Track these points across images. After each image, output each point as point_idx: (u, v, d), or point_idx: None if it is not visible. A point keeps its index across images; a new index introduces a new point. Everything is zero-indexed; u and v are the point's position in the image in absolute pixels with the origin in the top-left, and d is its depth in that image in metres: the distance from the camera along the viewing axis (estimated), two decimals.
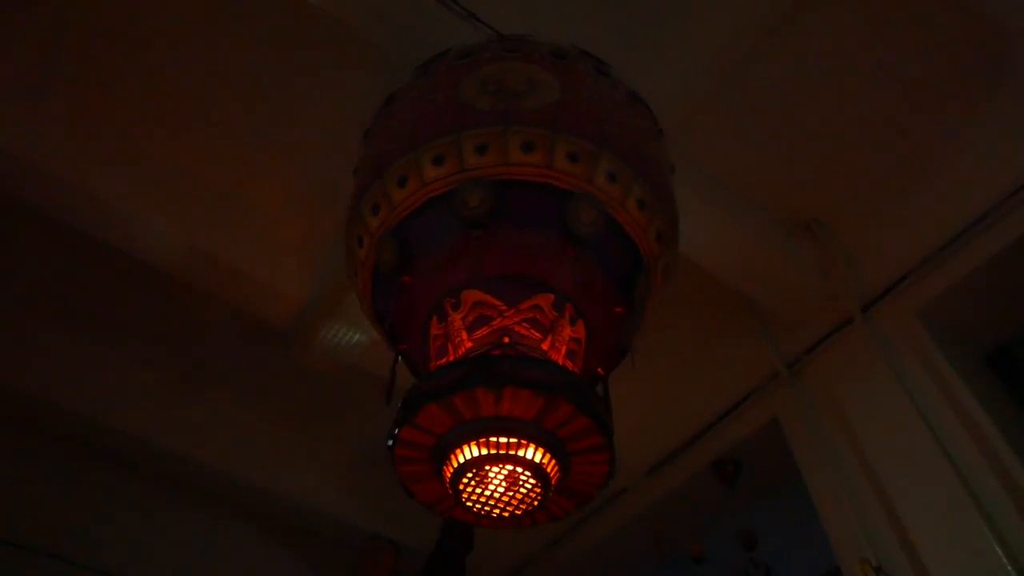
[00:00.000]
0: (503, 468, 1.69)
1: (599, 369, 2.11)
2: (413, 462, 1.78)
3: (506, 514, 1.78)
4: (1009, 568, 2.53)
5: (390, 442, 1.75)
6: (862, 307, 3.29)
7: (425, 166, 1.93)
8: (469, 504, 1.76)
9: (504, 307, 1.87)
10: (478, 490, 1.73)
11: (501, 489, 1.72)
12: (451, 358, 1.84)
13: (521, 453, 1.67)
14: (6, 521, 3.72)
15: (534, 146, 1.90)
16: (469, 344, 1.84)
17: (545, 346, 1.85)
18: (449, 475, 1.72)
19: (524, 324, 1.86)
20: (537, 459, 1.68)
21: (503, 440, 1.67)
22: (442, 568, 3.21)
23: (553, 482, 1.72)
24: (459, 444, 1.69)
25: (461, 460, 1.69)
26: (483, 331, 1.85)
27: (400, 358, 2.13)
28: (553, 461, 1.70)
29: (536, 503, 1.75)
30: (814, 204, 3.47)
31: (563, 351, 1.87)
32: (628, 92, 2.26)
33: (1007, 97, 3.02)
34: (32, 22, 3.06)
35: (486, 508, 1.76)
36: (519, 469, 1.69)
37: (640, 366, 2.21)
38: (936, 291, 3.11)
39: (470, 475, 1.70)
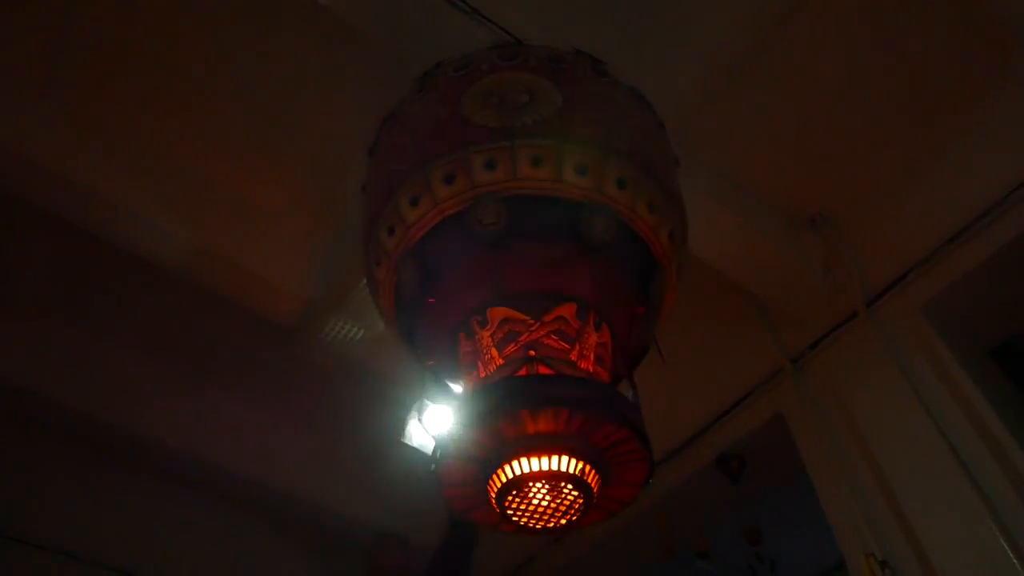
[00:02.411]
0: (545, 483, 1.73)
1: (624, 370, 2.14)
2: (459, 476, 1.83)
3: (551, 524, 1.82)
4: (1014, 561, 2.53)
5: (437, 456, 1.81)
6: (866, 302, 3.29)
7: (436, 184, 1.95)
8: (516, 519, 1.81)
9: (531, 321, 1.90)
10: (523, 506, 1.77)
11: (545, 503, 1.76)
12: (482, 375, 1.88)
13: (560, 467, 1.71)
14: (11, 517, 3.74)
15: (542, 160, 1.92)
16: (500, 361, 1.87)
17: (573, 356, 1.88)
18: (494, 495, 1.76)
19: (552, 336, 1.89)
20: (576, 470, 1.72)
21: (542, 457, 1.72)
22: (448, 565, 3.21)
23: (595, 490, 1.76)
24: (506, 460, 1.72)
25: (504, 480, 1.73)
26: (511, 347, 1.88)
27: (431, 374, 2.19)
28: (592, 470, 1.74)
29: (580, 511, 1.79)
30: (818, 199, 3.47)
31: (591, 358, 1.90)
32: (628, 90, 2.26)
33: (1011, 92, 3.02)
34: (36, 21, 3.06)
35: (532, 521, 1.81)
36: (560, 482, 1.73)
37: (642, 363, 2.22)
38: (941, 286, 3.11)
39: (514, 493, 1.75)
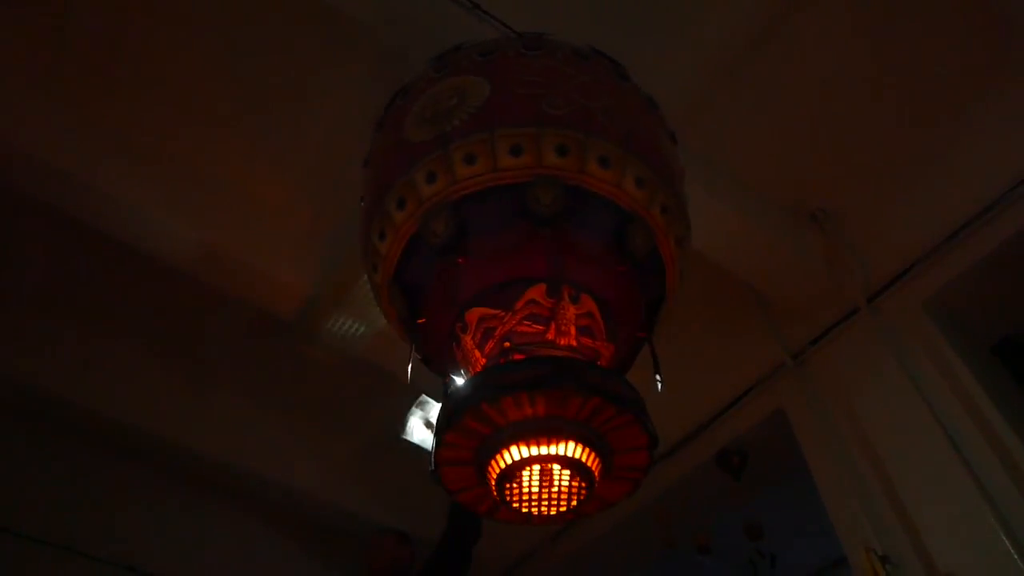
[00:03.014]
0: (549, 467, 1.74)
1: (639, 333, 2.12)
2: (457, 463, 1.83)
3: (553, 511, 1.82)
4: (1015, 556, 2.54)
5: (435, 444, 1.81)
6: (868, 297, 3.29)
7: (393, 212, 1.98)
8: (516, 506, 1.80)
9: (503, 313, 1.90)
10: (523, 491, 1.77)
11: (542, 488, 1.76)
12: (507, 345, 1.88)
13: (551, 450, 1.71)
14: (16, 513, 3.75)
15: (475, 156, 1.91)
16: (483, 360, 1.89)
17: (550, 335, 1.86)
18: (493, 480, 1.76)
19: (524, 322, 1.89)
20: (580, 456, 1.72)
21: (530, 441, 1.72)
22: (449, 558, 3.21)
23: (595, 471, 1.75)
24: (504, 446, 1.73)
25: (500, 467, 1.73)
26: (490, 344, 1.89)
27: (415, 332, 2.18)
28: (596, 457, 1.74)
29: (582, 493, 1.78)
30: (820, 194, 3.46)
31: (572, 332, 1.89)
32: (571, 50, 2.20)
33: (1014, 87, 3.01)
34: (38, 18, 3.06)
35: (532, 507, 1.80)
36: (562, 467, 1.73)
37: (643, 359, 2.22)
38: (942, 281, 3.11)
39: (514, 480, 1.75)
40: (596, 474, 1.76)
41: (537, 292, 1.91)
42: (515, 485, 1.76)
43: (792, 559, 4.94)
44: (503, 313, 1.89)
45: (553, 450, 1.71)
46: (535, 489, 1.76)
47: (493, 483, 1.77)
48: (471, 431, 1.73)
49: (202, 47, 3.16)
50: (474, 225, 1.93)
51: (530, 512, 1.82)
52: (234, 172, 3.53)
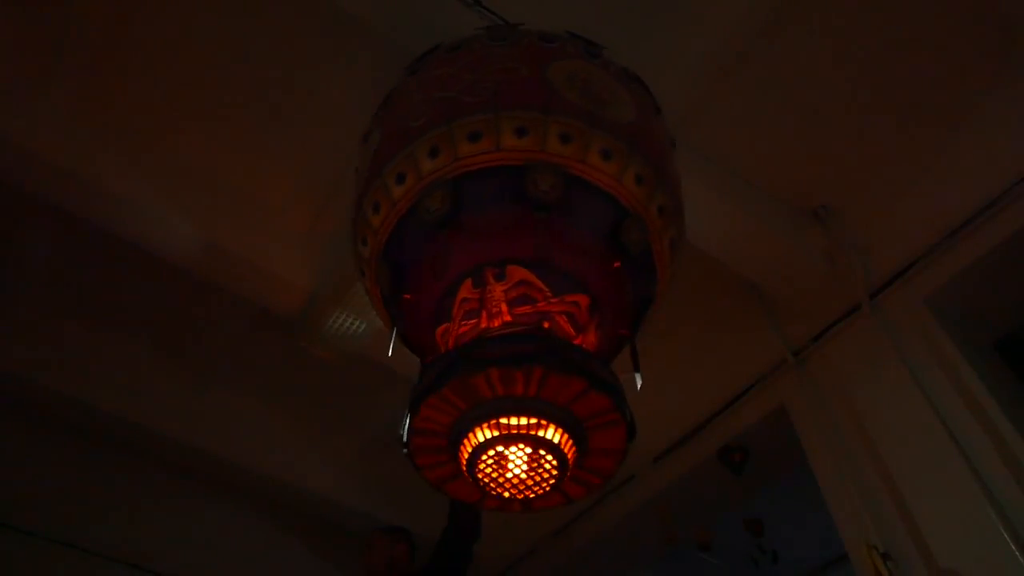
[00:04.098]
0: (517, 448, 1.72)
1: (622, 331, 2.12)
2: (431, 457, 1.83)
3: (529, 495, 1.81)
4: (1016, 554, 2.53)
5: (404, 449, 1.82)
6: (870, 294, 3.28)
7: (505, 132, 1.93)
8: (494, 490, 1.80)
9: (550, 294, 1.90)
10: (494, 474, 1.76)
11: (517, 471, 1.75)
12: (483, 325, 1.87)
13: (526, 430, 1.71)
14: (19, 510, 3.76)
15: (480, 134, 1.92)
16: (508, 318, 1.86)
17: (535, 319, 1.86)
18: (465, 463, 1.75)
19: (563, 316, 1.89)
20: (542, 432, 1.71)
21: (504, 420, 1.71)
22: (449, 555, 3.21)
23: (569, 456, 1.74)
24: (467, 431, 1.72)
25: (472, 445, 1.72)
26: (472, 321, 1.89)
27: (398, 308, 2.15)
28: (565, 434, 1.72)
29: (554, 479, 1.77)
30: (821, 191, 3.45)
31: (559, 319, 1.89)
32: (538, 34, 2.21)
33: (1017, 83, 2.99)
34: (37, 14, 3.06)
35: (506, 490, 1.80)
36: (524, 446, 1.72)
37: (646, 354, 2.21)
38: (944, 278, 3.09)
39: (485, 459, 1.74)
40: (570, 454, 1.74)
41: (464, 290, 1.93)
42: (486, 466, 1.75)
43: (793, 555, 4.95)
44: (449, 324, 1.92)
45: (529, 431, 1.70)
46: (509, 470, 1.75)
47: (464, 464, 1.76)
48: (443, 407, 1.72)
49: (204, 45, 3.15)
50: (469, 202, 1.93)
51: (505, 496, 1.81)
52: (235, 170, 3.53)
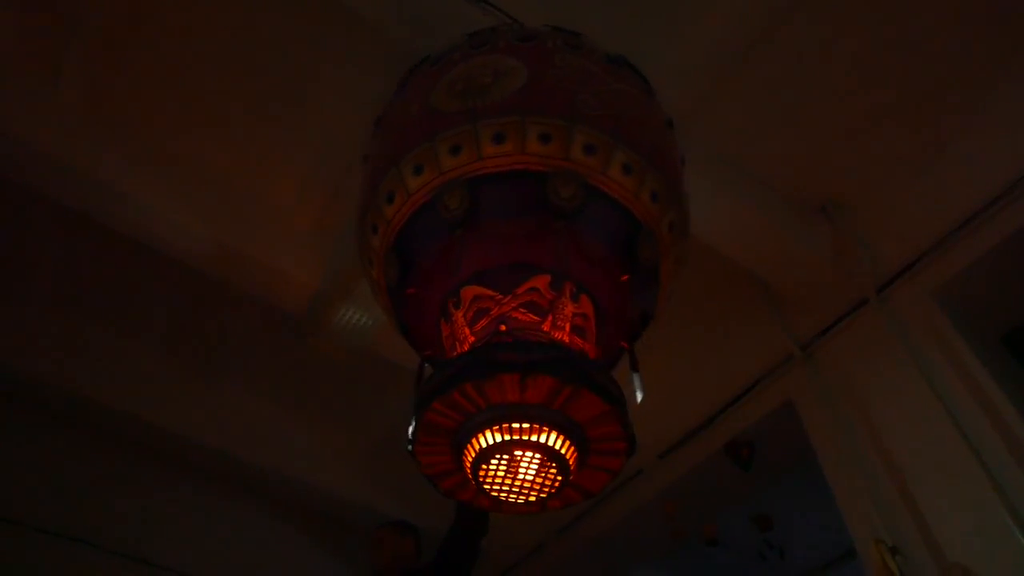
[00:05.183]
0: (520, 454, 1.73)
1: (622, 343, 2.13)
2: (434, 455, 1.84)
3: (531, 498, 1.81)
4: None
5: (409, 447, 1.82)
6: (877, 288, 3.27)
7: (408, 177, 1.98)
8: (493, 493, 1.81)
9: (500, 296, 1.90)
10: (498, 476, 1.77)
11: (519, 475, 1.76)
12: (494, 328, 1.88)
13: (532, 437, 1.72)
14: (29, 506, 3.78)
15: (504, 136, 1.92)
16: (472, 339, 1.88)
17: (546, 327, 1.87)
18: (468, 464, 1.76)
19: (520, 309, 1.88)
20: (548, 441, 1.72)
21: (515, 426, 1.71)
22: (456, 552, 3.22)
23: (571, 463, 1.75)
24: (474, 433, 1.73)
25: (478, 448, 1.73)
26: (482, 322, 1.89)
27: (427, 363, 2.18)
28: (567, 442, 1.73)
29: (555, 485, 1.78)
30: (828, 186, 3.45)
31: (567, 328, 1.89)
32: (605, 57, 2.22)
33: (1022, 78, 2.98)
34: (45, 14, 3.07)
35: (506, 494, 1.80)
36: (530, 453, 1.73)
37: (653, 349, 2.21)
38: (951, 271, 3.08)
39: (490, 462, 1.75)
40: (572, 466, 1.76)
41: (540, 282, 1.91)
42: (490, 469, 1.76)
43: (801, 550, 4.95)
44: (500, 295, 1.90)
45: (533, 437, 1.71)
46: (507, 475, 1.77)
47: (468, 466, 1.77)
48: (456, 406, 1.73)
49: (211, 44, 3.16)
50: (488, 204, 1.92)
51: (503, 499, 1.82)
52: (242, 168, 3.54)
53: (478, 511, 3.15)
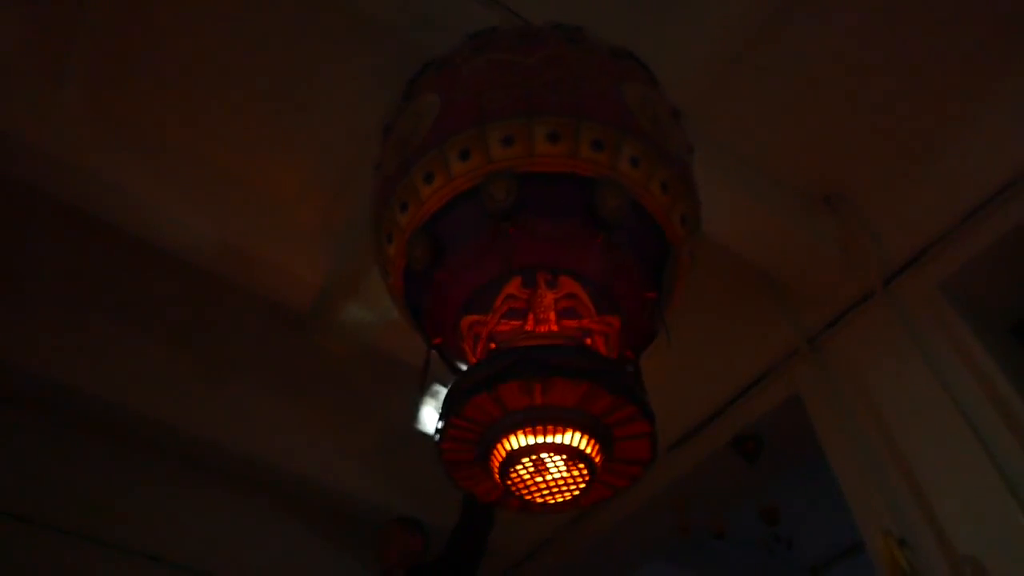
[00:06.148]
0: (551, 456, 1.74)
1: (628, 352, 2.13)
2: (460, 454, 1.84)
3: (558, 499, 1.82)
4: None
5: (437, 436, 1.81)
6: (883, 280, 3.26)
7: (452, 161, 1.94)
8: (519, 493, 1.81)
9: (485, 316, 1.91)
10: (526, 477, 1.77)
11: (551, 476, 1.77)
12: (527, 328, 1.87)
13: (565, 440, 1.72)
14: (40, 505, 3.80)
15: (559, 136, 1.90)
16: (555, 327, 1.87)
17: (528, 326, 1.87)
18: (496, 466, 1.76)
19: (502, 321, 1.90)
20: (581, 445, 1.72)
21: (549, 428, 1.72)
22: (463, 547, 3.23)
23: (598, 466, 1.76)
24: (505, 434, 1.73)
25: (508, 450, 1.73)
26: (516, 323, 1.88)
27: (435, 351, 2.16)
28: (597, 446, 1.74)
29: (581, 488, 1.79)
30: (833, 177, 3.44)
31: (551, 318, 1.89)
32: (647, 75, 2.23)
33: None
34: (49, 14, 3.07)
35: (535, 495, 1.81)
36: (564, 456, 1.73)
37: (659, 345, 2.21)
38: (958, 263, 3.07)
39: (519, 465, 1.75)
40: (597, 460, 1.76)
41: (512, 287, 1.92)
42: (516, 475, 1.76)
43: (808, 544, 4.94)
44: (535, 296, 1.90)
45: (548, 439, 1.72)
46: (534, 478, 1.77)
47: (496, 475, 1.78)
48: (463, 428, 1.76)
49: (215, 42, 3.16)
50: (534, 202, 1.90)
51: (540, 501, 1.83)
52: (247, 165, 3.55)
53: (485, 506, 3.15)
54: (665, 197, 1.99)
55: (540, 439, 1.72)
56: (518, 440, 1.72)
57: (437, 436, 1.81)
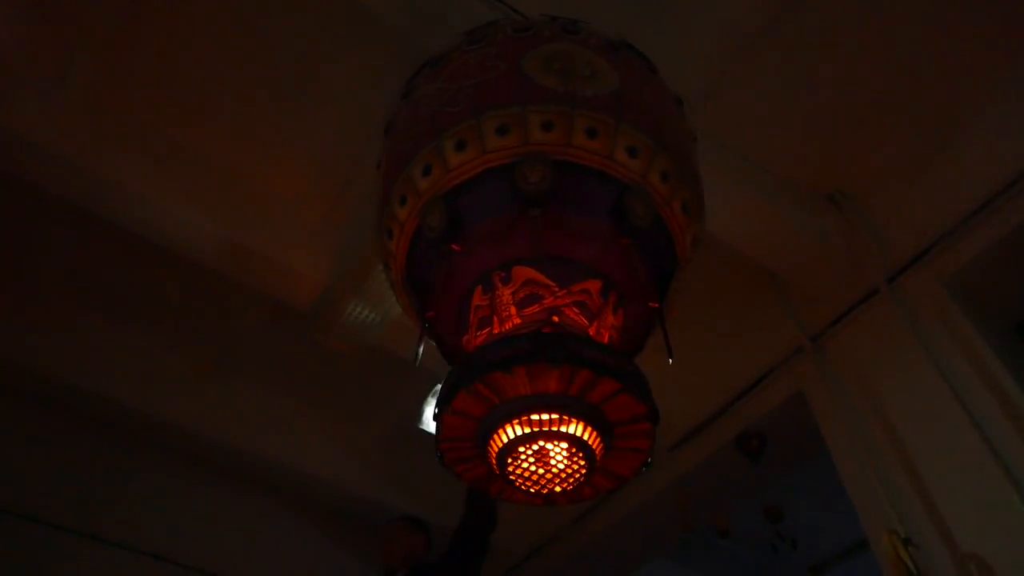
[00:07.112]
0: (551, 444, 1.73)
1: (651, 303, 2.13)
2: (457, 440, 1.82)
3: (557, 489, 1.81)
4: None
5: (439, 411, 1.80)
6: (887, 278, 3.25)
7: (488, 134, 1.91)
8: (518, 482, 1.80)
9: (557, 287, 1.89)
10: (524, 465, 1.76)
11: (549, 466, 1.76)
12: (496, 331, 1.86)
13: (568, 430, 1.71)
14: (42, 502, 3.81)
15: (597, 133, 1.90)
16: (517, 320, 1.86)
17: (591, 331, 1.87)
18: (495, 453, 1.75)
19: (573, 307, 1.88)
20: (584, 436, 1.72)
21: (552, 417, 1.71)
22: (466, 546, 3.23)
23: (597, 460, 1.75)
24: (507, 420, 1.72)
25: (508, 437, 1.72)
26: (534, 308, 1.87)
27: (427, 324, 2.14)
28: (598, 438, 1.73)
29: (582, 478, 1.78)
30: (837, 175, 3.42)
31: (607, 338, 1.90)
32: (674, 96, 2.25)
33: None
34: (52, 14, 3.07)
35: (533, 485, 1.80)
36: (565, 445, 1.73)
37: (660, 344, 2.20)
38: (962, 260, 3.06)
39: (517, 452, 1.74)
40: (597, 450, 1.75)
41: (593, 286, 1.93)
42: (515, 465, 1.75)
43: (813, 542, 4.94)
44: (556, 287, 1.91)
45: (547, 427, 1.71)
46: (534, 468, 1.76)
47: (495, 464, 1.77)
48: (463, 414, 1.74)
49: (219, 42, 3.17)
50: (567, 192, 1.89)
51: (537, 492, 1.82)
52: (251, 164, 3.55)
53: (488, 505, 3.15)
54: (685, 217, 2.03)
55: (542, 428, 1.71)
56: (519, 428, 1.72)
57: (436, 429, 1.80)
